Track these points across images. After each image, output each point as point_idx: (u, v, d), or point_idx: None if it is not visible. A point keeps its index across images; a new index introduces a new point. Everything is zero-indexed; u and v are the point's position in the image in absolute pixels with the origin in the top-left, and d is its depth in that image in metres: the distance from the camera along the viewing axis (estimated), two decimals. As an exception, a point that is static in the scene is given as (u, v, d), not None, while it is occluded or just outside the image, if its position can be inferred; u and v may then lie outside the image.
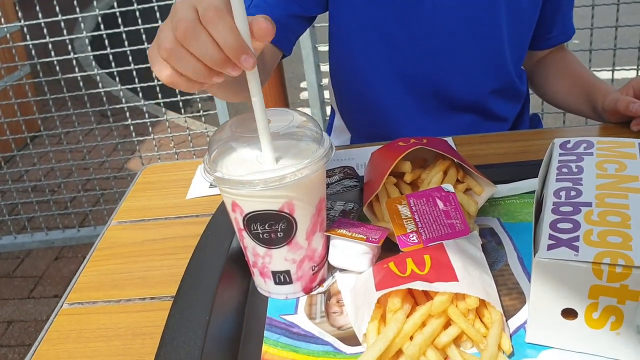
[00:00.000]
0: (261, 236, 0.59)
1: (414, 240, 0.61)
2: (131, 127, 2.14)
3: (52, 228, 2.40)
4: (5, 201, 2.38)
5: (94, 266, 0.74)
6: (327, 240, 0.64)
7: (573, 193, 0.57)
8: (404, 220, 0.63)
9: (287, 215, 0.58)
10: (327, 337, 0.58)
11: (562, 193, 0.58)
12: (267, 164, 0.56)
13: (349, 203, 0.73)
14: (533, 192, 0.73)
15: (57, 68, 2.04)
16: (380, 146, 0.76)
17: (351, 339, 0.57)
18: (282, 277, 0.62)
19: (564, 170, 0.62)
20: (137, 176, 0.94)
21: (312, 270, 0.63)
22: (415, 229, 0.62)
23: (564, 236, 0.51)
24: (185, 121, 2.34)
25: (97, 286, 0.70)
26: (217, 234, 0.69)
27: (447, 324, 0.54)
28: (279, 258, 0.60)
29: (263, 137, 0.56)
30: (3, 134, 2.23)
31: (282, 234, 0.59)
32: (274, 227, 0.58)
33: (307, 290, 0.64)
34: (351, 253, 0.63)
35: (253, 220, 0.58)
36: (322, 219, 0.62)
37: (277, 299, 0.63)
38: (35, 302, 2.08)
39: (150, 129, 2.20)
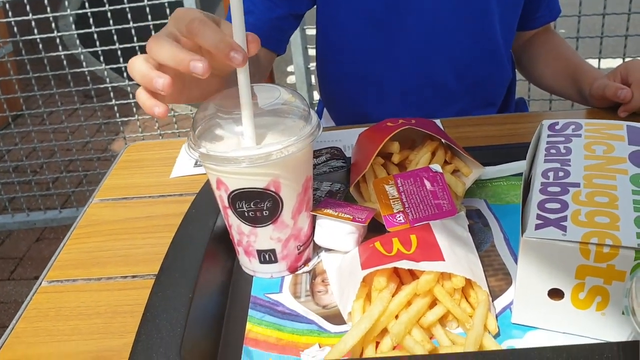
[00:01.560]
0: (246, 214, 0.58)
1: (400, 220, 0.61)
2: (115, 108, 2.11)
3: (34, 209, 2.37)
4: (-15, 181, 2.34)
5: (74, 244, 0.72)
6: (313, 219, 0.63)
7: (561, 174, 0.57)
8: (391, 201, 0.62)
9: (273, 194, 0.57)
10: (311, 315, 0.57)
11: (550, 174, 0.57)
12: (246, 142, 0.55)
13: (335, 184, 0.72)
14: (520, 174, 0.72)
15: (40, 46, 2.00)
16: (368, 127, 0.75)
17: (336, 318, 0.56)
18: (267, 256, 0.61)
19: (552, 151, 0.61)
20: (120, 154, 0.93)
21: (298, 249, 0.62)
22: (402, 209, 0.61)
23: (552, 216, 0.51)
24: (170, 103, 2.31)
25: (77, 264, 0.69)
26: (202, 213, 0.67)
27: (433, 303, 0.54)
28: (264, 237, 0.59)
29: (245, 113, 0.55)
30: (-16, 112, 2.20)
31: (267, 212, 0.58)
32: (259, 205, 0.57)
33: (292, 270, 0.63)
34: (337, 232, 0.62)
35: (238, 198, 0.57)
36: (308, 198, 0.61)
37: (262, 277, 0.62)
38: (16, 284, 2.05)
39: (134, 109, 2.17)
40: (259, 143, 0.55)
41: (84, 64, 2.09)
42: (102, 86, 2.09)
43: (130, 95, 2.20)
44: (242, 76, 0.54)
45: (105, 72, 2.16)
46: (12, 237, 2.31)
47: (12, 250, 2.24)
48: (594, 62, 1.79)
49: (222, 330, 0.56)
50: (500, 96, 1.11)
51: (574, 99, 1.04)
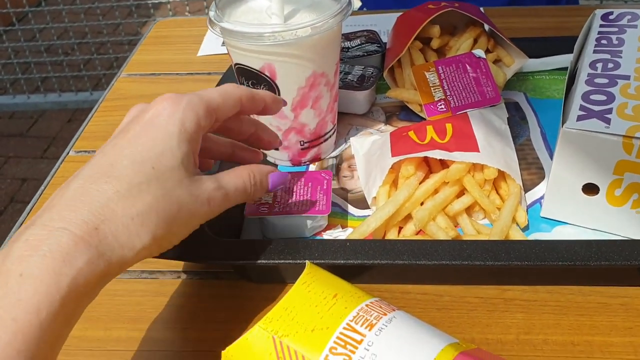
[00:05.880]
0: None
1: (442, 108, 0.58)
2: (146, -11, 2.06)
3: (66, 90, 2.37)
4: (18, 59, 2.34)
5: (102, 116, 0.72)
6: (334, 120, 0.61)
7: (610, 65, 0.53)
8: (432, 88, 0.59)
9: (268, 79, 0.53)
10: (336, 199, 0.56)
11: (599, 65, 0.54)
12: (274, 19, 0.52)
13: (368, 68, 0.69)
14: (565, 68, 0.68)
15: None
16: (407, 10, 0.71)
17: (360, 202, 0.56)
18: None
19: (603, 42, 0.57)
20: (149, 30, 0.90)
21: (301, 145, 0.59)
22: (443, 97, 0.59)
23: (596, 108, 0.48)
24: (202, -14, 2.24)
25: (105, 135, 0.68)
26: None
27: (461, 193, 0.52)
28: (265, 120, 0.56)
29: None
30: (14, -12, 2.16)
31: None
32: (256, 86, 0.54)
33: (296, 163, 0.60)
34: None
35: (240, 73, 0.55)
36: (317, 95, 0.56)
37: (270, 162, 0.61)
38: (49, 162, 2.10)
39: (165, -8, 2.12)
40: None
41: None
42: (133, -35, 2.03)
43: (162, -23, 2.13)
44: None
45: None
46: (44, 116, 2.34)
47: (45, 129, 2.27)
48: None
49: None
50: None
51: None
